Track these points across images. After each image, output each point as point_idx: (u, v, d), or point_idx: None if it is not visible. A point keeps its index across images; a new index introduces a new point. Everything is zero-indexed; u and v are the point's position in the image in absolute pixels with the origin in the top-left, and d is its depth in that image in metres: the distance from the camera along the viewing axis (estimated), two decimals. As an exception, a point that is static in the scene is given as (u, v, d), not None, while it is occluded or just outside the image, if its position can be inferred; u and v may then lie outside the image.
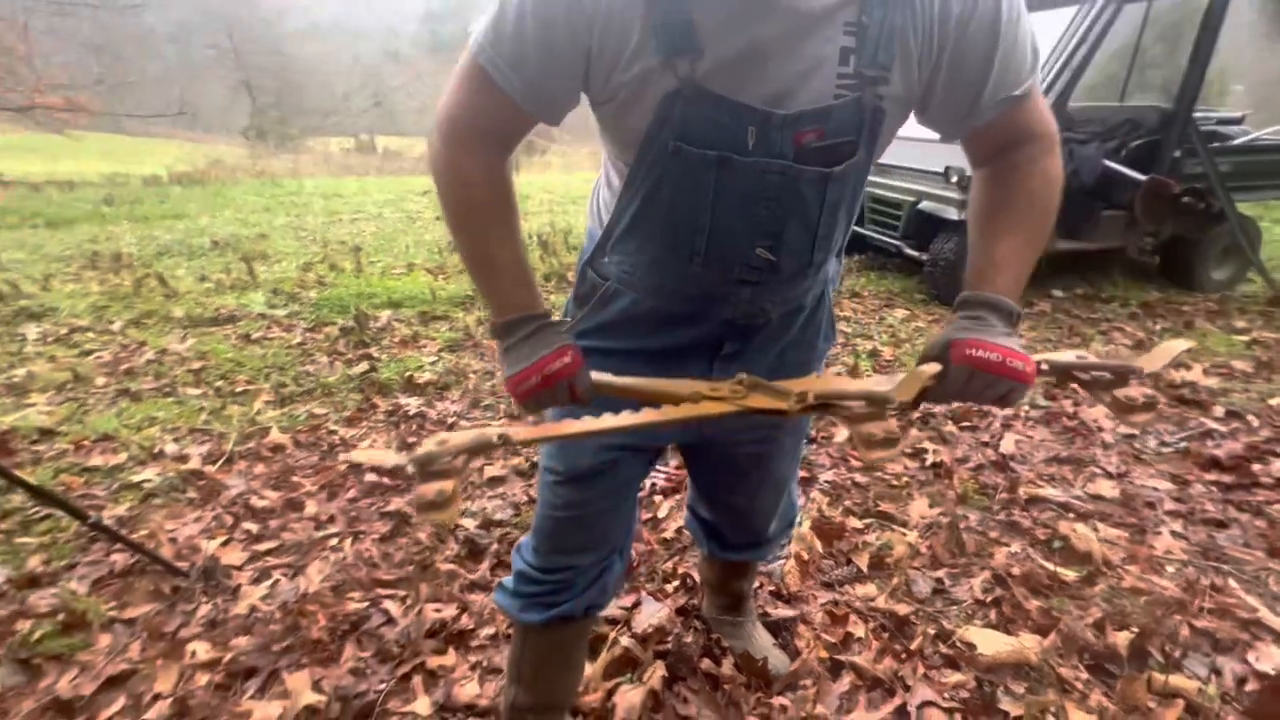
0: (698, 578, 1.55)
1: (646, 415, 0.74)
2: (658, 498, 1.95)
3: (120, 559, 1.67)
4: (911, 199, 3.92)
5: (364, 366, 2.89)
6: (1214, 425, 2.37)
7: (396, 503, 1.95)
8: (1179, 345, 0.81)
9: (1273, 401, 2.53)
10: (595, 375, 0.78)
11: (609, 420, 0.74)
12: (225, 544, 1.77)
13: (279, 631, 1.45)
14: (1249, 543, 1.74)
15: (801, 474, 2.07)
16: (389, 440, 2.33)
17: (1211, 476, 2.05)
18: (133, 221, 6.71)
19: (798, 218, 0.75)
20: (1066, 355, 0.76)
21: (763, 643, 1.39)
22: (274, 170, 13.74)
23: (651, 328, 0.87)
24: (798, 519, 1.27)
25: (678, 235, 0.76)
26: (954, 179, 3.58)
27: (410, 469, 0.71)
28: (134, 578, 1.62)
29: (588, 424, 0.74)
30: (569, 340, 0.78)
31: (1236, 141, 4.13)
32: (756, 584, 1.58)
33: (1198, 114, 3.80)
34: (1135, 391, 0.74)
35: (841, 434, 2.31)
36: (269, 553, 1.75)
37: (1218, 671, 1.31)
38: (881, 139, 0.74)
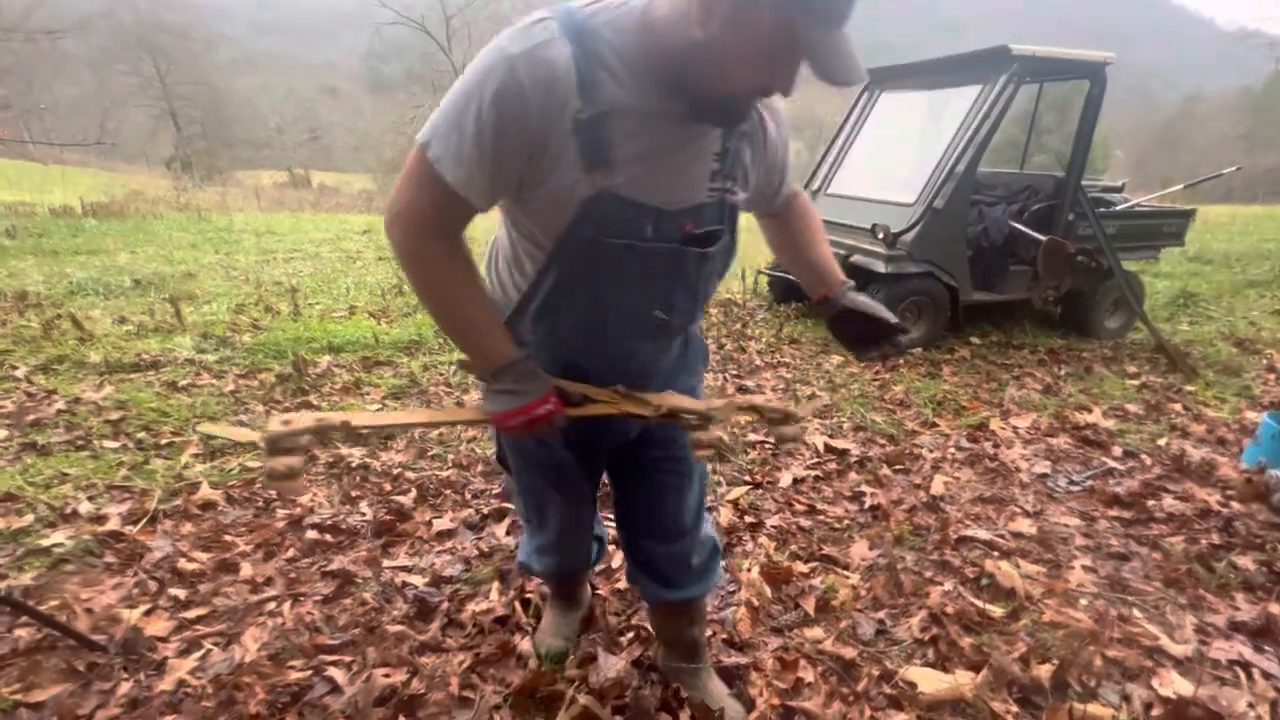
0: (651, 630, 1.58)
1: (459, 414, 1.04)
2: (611, 547, 1.97)
3: (25, 634, 1.53)
4: (843, 253, 4.19)
5: (303, 415, 2.78)
6: (1114, 464, 2.61)
7: (340, 561, 1.88)
8: (819, 401, 1.17)
9: (1161, 441, 2.81)
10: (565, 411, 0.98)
11: (441, 414, 1.02)
12: (149, 613, 1.65)
13: (211, 708, 1.36)
14: (1148, 574, 1.92)
15: (749, 520, 2.14)
16: (330, 494, 2.25)
17: (1114, 513, 2.25)
18: (40, 256, 6.26)
19: (683, 286, 0.98)
20: (758, 398, 1.09)
21: (718, 692, 1.42)
22: (200, 203, 13.13)
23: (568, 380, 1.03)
24: (721, 548, 1.40)
25: (591, 304, 0.96)
26: (880, 235, 3.86)
27: (262, 446, 0.86)
28: (42, 655, 1.49)
29: (442, 414, 1.02)
30: (549, 386, 0.97)
31: (1119, 207, 4.65)
32: (710, 632, 1.62)
33: (1085, 182, 4.28)
34: (791, 430, 1.07)
35: (786, 479, 2.41)
36: (199, 620, 1.65)
37: (1127, 698, 1.43)
38: (737, 225, 1.03)
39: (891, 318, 1.10)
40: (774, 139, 1.01)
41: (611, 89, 0.80)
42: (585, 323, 0.98)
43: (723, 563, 1.55)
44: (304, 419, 0.88)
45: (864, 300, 1.13)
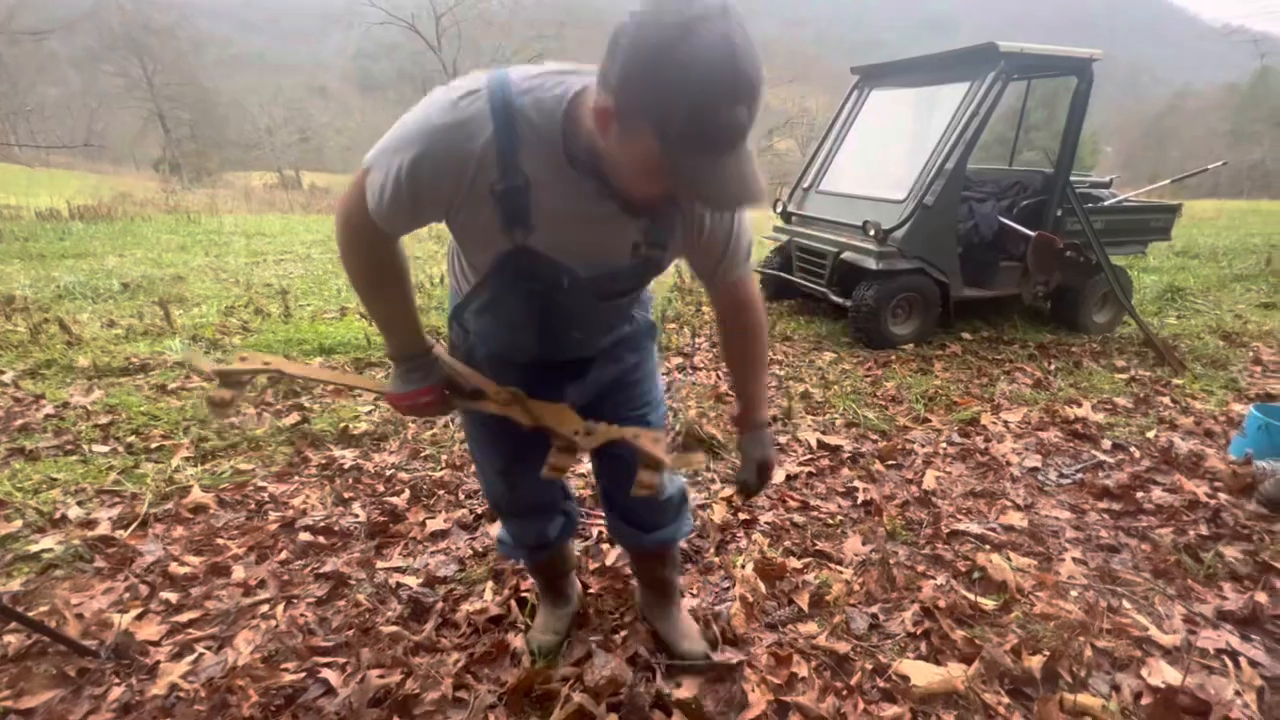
0: (635, 582, 1.65)
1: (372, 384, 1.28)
2: (604, 545, 1.97)
3: (15, 640, 1.52)
4: (835, 250, 4.20)
5: (295, 417, 2.77)
6: (1103, 457, 2.63)
7: (333, 563, 1.87)
8: (697, 458, 1.27)
9: (1149, 434, 2.84)
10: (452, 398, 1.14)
11: (356, 379, 1.31)
12: (140, 617, 1.64)
13: (204, 711, 1.36)
14: (1138, 565, 1.94)
15: (743, 516, 2.15)
16: (323, 496, 2.24)
17: (1104, 505, 2.28)
18: (26, 260, 6.19)
19: (598, 323, 1.13)
20: (647, 437, 1.14)
21: (687, 628, 1.57)
22: (189, 205, 13.01)
23: (508, 369, 1.16)
24: (689, 497, 1.50)
25: (516, 320, 1.08)
26: (871, 232, 3.87)
27: (212, 376, 1.10)
28: (32, 661, 1.48)
29: (350, 378, 1.28)
30: (436, 380, 1.11)
31: (1107, 203, 4.68)
32: (710, 631, 1.62)
33: (1074, 178, 4.31)
34: (649, 478, 1.12)
35: (779, 476, 2.42)
36: (191, 624, 1.64)
37: (1117, 688, 1.45)
38: (660, 269, 1.06)
39: (750, 483, 1.22)
40: (702, 218, 1.00)
41: (532, 165, 0.85)
42: (512, 330, 1.11)
43: (693, 509, 1.65)
44: (254, 360, 1.12)
45: (746, 455, 1.23)
